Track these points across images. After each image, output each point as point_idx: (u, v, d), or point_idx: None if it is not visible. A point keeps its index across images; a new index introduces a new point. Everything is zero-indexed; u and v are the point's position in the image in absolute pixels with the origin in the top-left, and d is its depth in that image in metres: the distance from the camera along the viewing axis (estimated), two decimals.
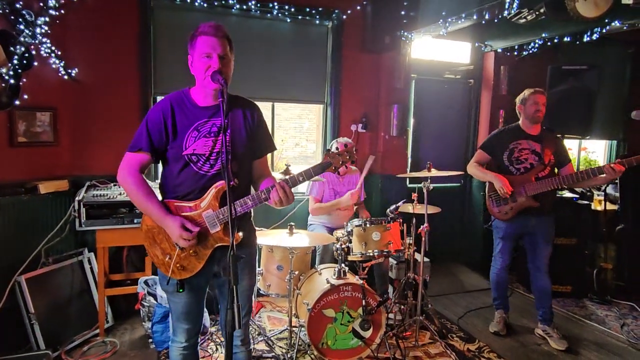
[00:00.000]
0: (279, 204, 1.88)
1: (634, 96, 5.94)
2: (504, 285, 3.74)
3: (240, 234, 1.91)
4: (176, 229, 1.86)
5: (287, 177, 1.92)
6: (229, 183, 1.66)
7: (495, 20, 3.74)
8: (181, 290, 1.95)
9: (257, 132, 2.06)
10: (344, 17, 4.49)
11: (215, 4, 4.05)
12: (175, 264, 1.95)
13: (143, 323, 3.44)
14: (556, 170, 3.45)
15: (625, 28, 3.93)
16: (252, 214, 2.18)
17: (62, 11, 3.41)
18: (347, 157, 1.92)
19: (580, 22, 3.40)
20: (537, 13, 3.67)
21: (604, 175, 3.09)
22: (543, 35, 4.44)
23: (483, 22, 3.71)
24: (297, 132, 5.01)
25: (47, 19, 3.32)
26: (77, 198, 3.27)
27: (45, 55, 3.38)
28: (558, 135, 3.62)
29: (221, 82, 1.80)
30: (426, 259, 3.87)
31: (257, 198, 1.91)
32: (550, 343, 3.48)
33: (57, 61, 3.46)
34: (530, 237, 3.53)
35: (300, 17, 4.38)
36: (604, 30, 4.07)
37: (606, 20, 3.72)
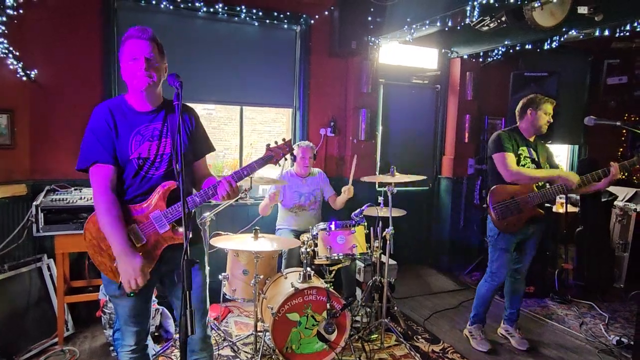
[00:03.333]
0: (226, 198, 1.96)
1: (593, 102, 6.18)
2: (489, 304, 3.53)
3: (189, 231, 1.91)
4: (135, 269, 1.84)
5: (232, 172, 2.01)
6: (183, 183, 1.68)
7: (458, 28, 3.84)
8: (132, 295, 1.92)
9: (196, 134, 2.11)
10: (312, 21, 4.52)
11: (182, 6, 4.01)
12: None
13: (104, 330, 3.35)
14: None
15: (581, 37, 4.08)
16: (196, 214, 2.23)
17: (21, 11, 3.32)
18: (287, 150, 2.12)
19: (539, 30, 3.53)
20: (498, 21, 3.78)
21: (605, 178, 3.07)
22: (506, 42, 4.57)
23: (446, 29, 3.79)
24: (271, 136, 5.00)
25: (4, 18, 3.23)
26: (34, 203, 3.18)
27: (1, 55, 3.28)
28: (548, 143, 3.55)
29: (154, 80, 1.89)
30: (393, 262, 3.92)
31: (204, 194, 1.96)
32: (512, 342, 3.55)
33: (14, 62, 3.36)
34: (523, 244, 3.39)
35: (268, 21, 4.38)
36: (562, 39, 4.22)
37: (563, 29, 3.86)
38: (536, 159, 3.30)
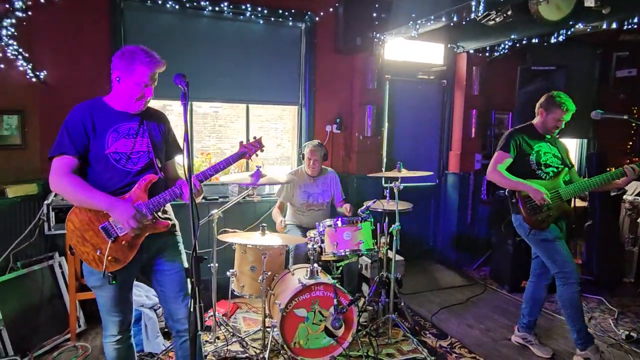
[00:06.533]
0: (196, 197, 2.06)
1: (601, 96, 6.11)
2: (581, 304, 3.19)
3: (170, 221, 2.20)
4: (129, 209, 1.95)
5: (199, 172, 2.16)
6: (190, 180, 1.77)
7: (464, 22, 3.82)
8: (114, 282, 2.02)
9: (168, 136, 2.29)
10: (317, 18, 4.53)
11: (187, 5, 4.05)
12: (107, 257, 2.01)
13: None
14: None
15: (588, 30, 4.04)
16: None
17: (30, 13, 3.37)
18: (258, 147, 2.37)
19: (545, 24, 3.50)
20: (504, 15, 3.76)
21: (625, 177, 2.97)
22: (512, 36, 4.54)
23: (452, 24, 3.78)
24: (278, 133, 5.03)
25: (13, 20, 3.28)
26: (45, 202, 3.23)
27: (12, 57, 3.34)
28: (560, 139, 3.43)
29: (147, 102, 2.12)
30: (400, 258, 3.93)
31: (172, 193, 2.08)
32: (533, 350, 3.36)
33: (24, 63, 3.42)
34: None
35: (273, 18, 4.40)
36: (569, 32, 4.19)
37: (570, 23, 3.83)
38: (558, 154, 3.20)
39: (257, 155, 2.38)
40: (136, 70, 2.00)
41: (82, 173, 2.07)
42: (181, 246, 2.32)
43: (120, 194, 2.04)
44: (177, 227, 2.34)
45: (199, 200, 2.18)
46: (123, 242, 2.03)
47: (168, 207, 2.31)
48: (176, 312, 2.21)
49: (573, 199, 4.70)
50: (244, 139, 4.60)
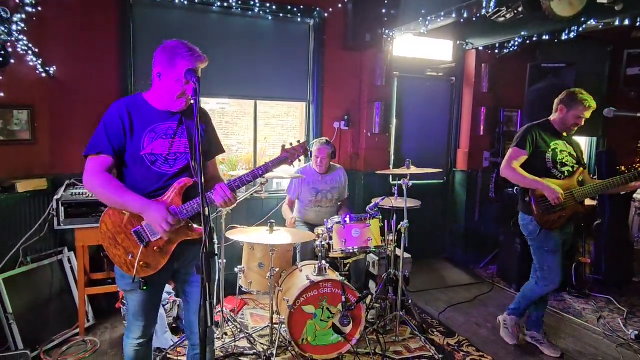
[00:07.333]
0: (223, 205, 1.95)
1: (612, 93, 6.04)
2: (536, 302, 3.34)
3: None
4: (162, 212, 1.84)
5: (232, 179, 2.01)
6: (201, 181, 1.69)
7: (474, 19, 3.79)
8: (145, 288, 1.97)
9: (209, 136, 2.18)
10: (325, 15, 4.51)
11: (196, 1, 4.04)
12: (139, 262, 1.95)
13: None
14: None
15: (601, 27, 3.99)
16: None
17: (39, 8, 3.38)
18: (301, 152, 2.13)
19: (556, 20, 3.46)
20: (515, 12, 3.72)
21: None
22: (522, 33, 4.49)
23: (462, 20, 3.75)
24: (284, 130, 5.01)
25: (23, 15, 3.28)
26: (55, 197, 3.24)
27: (22, 52, 3.34)
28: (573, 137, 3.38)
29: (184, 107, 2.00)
30: (408, 255, 3.92)
31: (208, 198, 1.96)
32: (542, 350, 3.33)
33: (34, 58, 3.42)
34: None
35: (281, 14, 4.39)
36: (580, 29, 4.14)
37: (582, 19, 3.78)
38: (574, 153, 3.15)
39: (300, 160, 2.19)
40: (177, 65, 1.90)
41: (118, 173, 2.01)
42: (215, 258, 2.22)
43: (154, 197, 1.95)
44: (215, 236, 2.25)
45: (231, 207, 2.04)
46: (155, 248, 1.96)
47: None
48: (196, 325, 2.15)
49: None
50: (251, 136, 4.61)
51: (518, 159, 3.11)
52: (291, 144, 2.13)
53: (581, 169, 3.13)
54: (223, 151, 2.32)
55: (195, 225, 2.00)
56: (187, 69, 1.86)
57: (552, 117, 3.22)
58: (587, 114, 3.07)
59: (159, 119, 2.00)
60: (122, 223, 1.96)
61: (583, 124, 3.12)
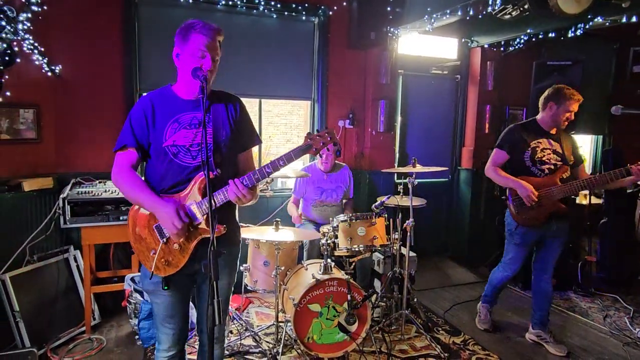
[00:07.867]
0: (239, 203, 1.88)
1: (618, 91, 6.01)
2: (501, 290, 3.61)
3: (223, 226, 1.88)
4: (169, 213, 1.80)
5: (249, 172, 1.86)
6: (208, 175, 1.68)
7: (480, 17, 3.77)
8: (166, 288, 1.92)
9: (240, 125, 2.05)
10: (330, 13, 4.50)
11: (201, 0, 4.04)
12: (159, 259, 1.92)
13: (130, 320, 3.44)
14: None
15: (607, 24, 3.97)
16: (237, 210, 2.15)
17: (45, 7, 3.38)
18: (328, 139, 1.87)
19: (563, 18, 3.44)
20: (521, 9, 3.69)
21: (632, 176, 2.95)
22: (528, 31, 4.48)
23: (468, 18, 3.73)
24: (287, 129, 5.02)
25: (29, 14, 3.28)
26: (61, 195, 3.25)
27: (28, 51, 3.34)
28: (572, 134, 3.42)
29: (201, 79, 1.80)
30: (413, 254, 3.91)
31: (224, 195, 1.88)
32: (548, 349, 3.33)
33: (40, 57, 3.42)
34: (547, 242, 3.28)
35: (286, 13, 4.38)
36: (587, 26, 4.12)
37: (588, 16, 3.76)
38: (560, 151, 3.18)
39: (328, 149, 2.00)
40: (190, 39, 1.85)
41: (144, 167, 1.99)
42: (236, 261, 2.16)
43: (176, 191, 1.90)
44: (239, 235, 2.16)
45: (251, 203, 1.91)
46: (174, 245, 1.90)
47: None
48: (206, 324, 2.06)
49: (588, 197, 4.66)
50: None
51: (499, 159, 3.29)
52: (317, 131, 1.90)
53: (565, 166, 3.15)
54: (259, 142, 2.17)
55: (215, 223, 1.79)
56: (200, 42, 1.82)
57: (538, 116, 3.27)
58: (576, 107, 3.13)
59: (183, 109, 1.93)
60: (145, 218, 1.94)
61: (573, 117, 3.17)
